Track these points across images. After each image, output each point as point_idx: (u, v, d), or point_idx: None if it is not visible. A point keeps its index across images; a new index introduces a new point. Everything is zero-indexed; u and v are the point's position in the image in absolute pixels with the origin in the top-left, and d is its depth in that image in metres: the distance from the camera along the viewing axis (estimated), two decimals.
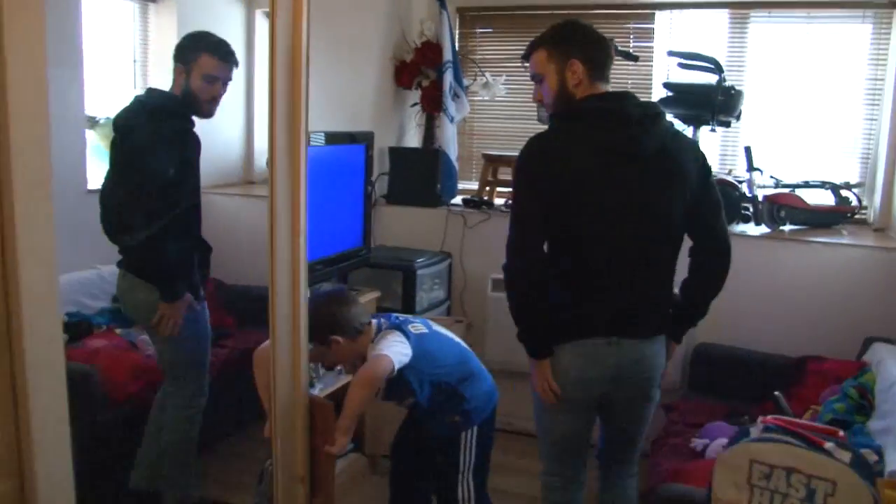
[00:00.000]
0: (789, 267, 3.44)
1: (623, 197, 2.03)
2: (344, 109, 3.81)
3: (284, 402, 2.23)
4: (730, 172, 3.85)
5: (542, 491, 2.40)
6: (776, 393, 2.50)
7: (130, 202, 2.67)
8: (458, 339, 2.62)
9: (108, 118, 3.93)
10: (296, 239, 2.17)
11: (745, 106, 3.71)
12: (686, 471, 2.42)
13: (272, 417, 2.23)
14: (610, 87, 2.14)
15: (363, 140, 3.34)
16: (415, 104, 4.21)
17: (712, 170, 2.22)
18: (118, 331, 3.54)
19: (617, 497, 2.38)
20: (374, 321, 2.51)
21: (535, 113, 4.05)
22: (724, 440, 2.57)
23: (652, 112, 2.06)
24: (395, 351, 2.35)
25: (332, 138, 3.12)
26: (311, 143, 3.00)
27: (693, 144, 2.25)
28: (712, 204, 2.18)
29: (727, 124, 3.71)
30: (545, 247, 2.10)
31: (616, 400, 2.18)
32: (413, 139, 4.41)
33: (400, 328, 2.45)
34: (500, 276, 3.77)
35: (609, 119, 2.03)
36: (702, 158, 2.17)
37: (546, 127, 2.19)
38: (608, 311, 2.09)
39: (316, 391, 3.08)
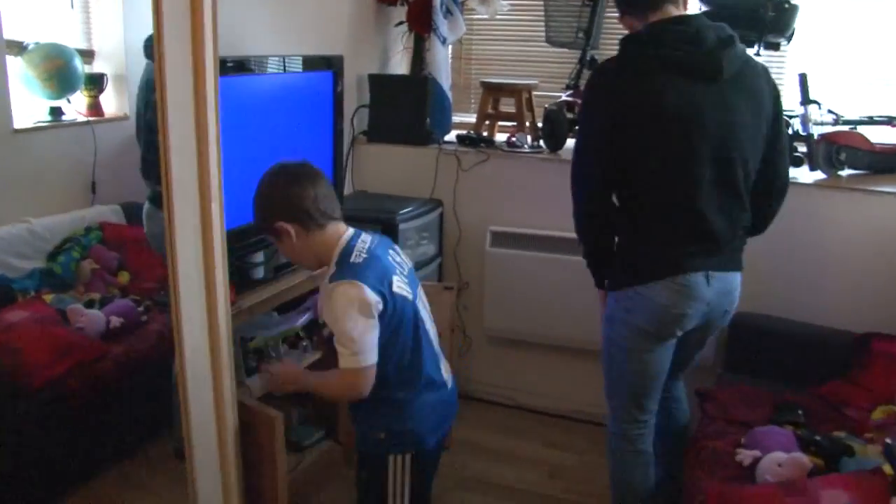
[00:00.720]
0: (850, 221, 2.83)
1: (704, 119, 1.93)
2: (312, 31, 3.14)
3: (202, 424, 1.69)
4: None
5: (625, 444, 2.20)
6: (888, 441, 1.93)
7: None
8: (431, 330, 1.99)
9: (37, 43, 3.31)
10: (206, 205, 1.59)
11: (798, 24, 3.04)
12: (735, 501, 1.87)
13: (187, 444, 1.69)
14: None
15: (329, 66, 2.71)
16: (400, 23, 3.55)
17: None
18: (49, 297, 2.99)
19: (674, 401, 2.39)
20: (348, 230, 1.90)
21: (543, 33, 3.41)
22: (782, 456, 2.01)
23: (725, 35, 1.98)
24: (366, 347, 1.76)
25: (286, 64, 2.50)
26: (257, 70, 2.40)
27: (766, 72, 2.10)
28: (782, 139, 2.12)
29: (776, 46, 3.03)
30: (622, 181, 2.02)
31: (698, 331, 2.15)
32: (400, 65, 3.75)
33: (376, 288, 1.77)
34: (500, 228, 3.26)
35: (684, 42, 1.93)
36: (775, 89, 2.08)
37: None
38: (700, 244, 2.01)
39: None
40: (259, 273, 2.56)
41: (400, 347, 1.84)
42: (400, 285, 1.84)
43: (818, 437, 2.14)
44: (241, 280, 2.46)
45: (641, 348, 2.09)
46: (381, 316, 1.78)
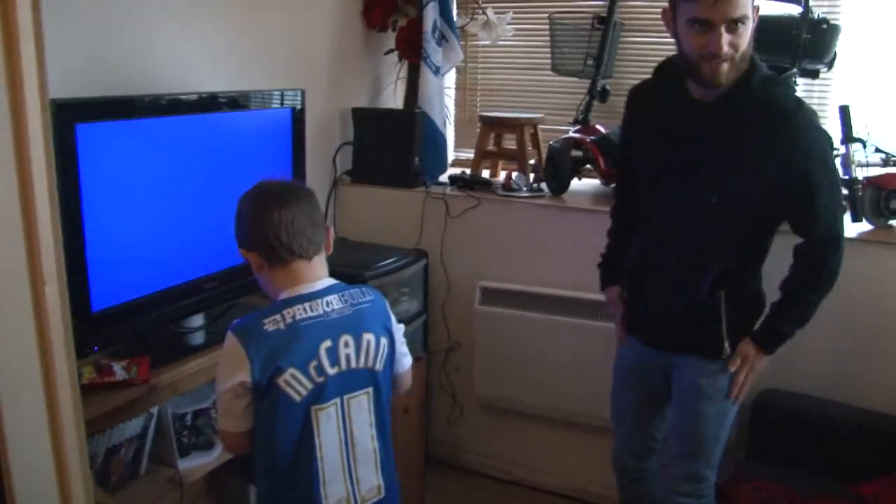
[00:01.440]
0: None
1: None
2: (291, 60, 2.82)
3: None
4: None
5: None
6: None
7: None
8: (336, 448, 1.61)
9: None
10: (39, 290, 1.26)
11: (841, 48, 2.62)
12: None
13: None
14: None
15: (285, 101, 2.38)
16: (390, 51, 3.22)
17: None
18: None
19: None
20: (312, 285, 1.63)
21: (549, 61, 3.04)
22: None
23: None
24: (224, 410, 1.59)
25: (225, 104, 2.18)
26: (188, 111, 2.08)
27: None
28: None
29: (815, 74, 2.63)
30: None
31: None
32: (393, 98, 3.40)
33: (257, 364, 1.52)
34: (491, 284, 2.85)
35: None
36: None
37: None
38: None
39: (217, 452, 2.25)
40: (198, 339, 2.24)
41: (271, 445, 1.58)
42: (294, 380, 1.53)
43: None
44: (170, 350, 2.15)
45: None
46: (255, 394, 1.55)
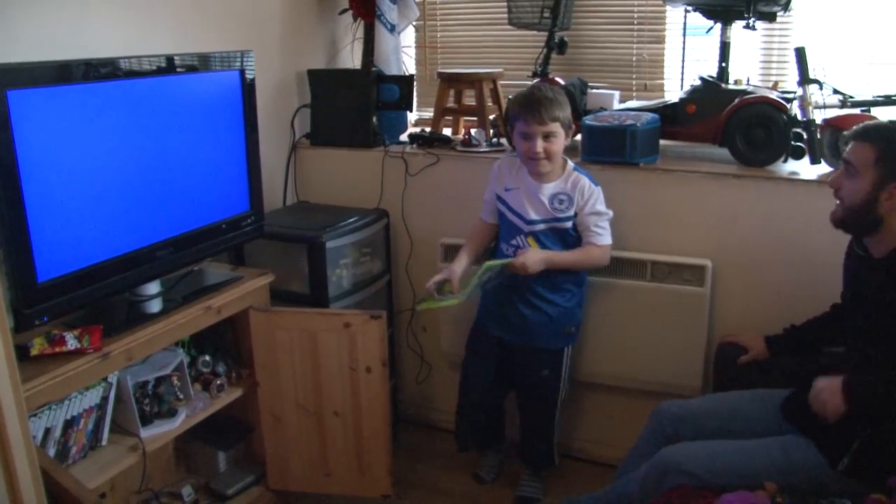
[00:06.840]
0: None
1: None
2: (241, 23, 2.76)
3: None
4: (775, 86, 2.74)
5: None
6: None
7: None
8: None
9: None
10: None
11: None
12: None
13: None
14: None
15: (232, 64, 2.34)
16: (344, 10, 3.16)
17: None
18: None
19: None
20: None
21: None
22: None
23: None
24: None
25: (168, 67, 2.14)
26: (130, 74, 2.03)
27: None
28: None
29: (771, 17, 2.60)
30: None
31: None
32: (351, 58, 3.34)
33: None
34: (453, 241, 2.79)
35: None
36: None
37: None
38: None
39: (180, 420, 2.24)
40: (154, 306, 2.22)
41: None
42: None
43: None
44: (126, 318, 2.13)
45: None
46: None
